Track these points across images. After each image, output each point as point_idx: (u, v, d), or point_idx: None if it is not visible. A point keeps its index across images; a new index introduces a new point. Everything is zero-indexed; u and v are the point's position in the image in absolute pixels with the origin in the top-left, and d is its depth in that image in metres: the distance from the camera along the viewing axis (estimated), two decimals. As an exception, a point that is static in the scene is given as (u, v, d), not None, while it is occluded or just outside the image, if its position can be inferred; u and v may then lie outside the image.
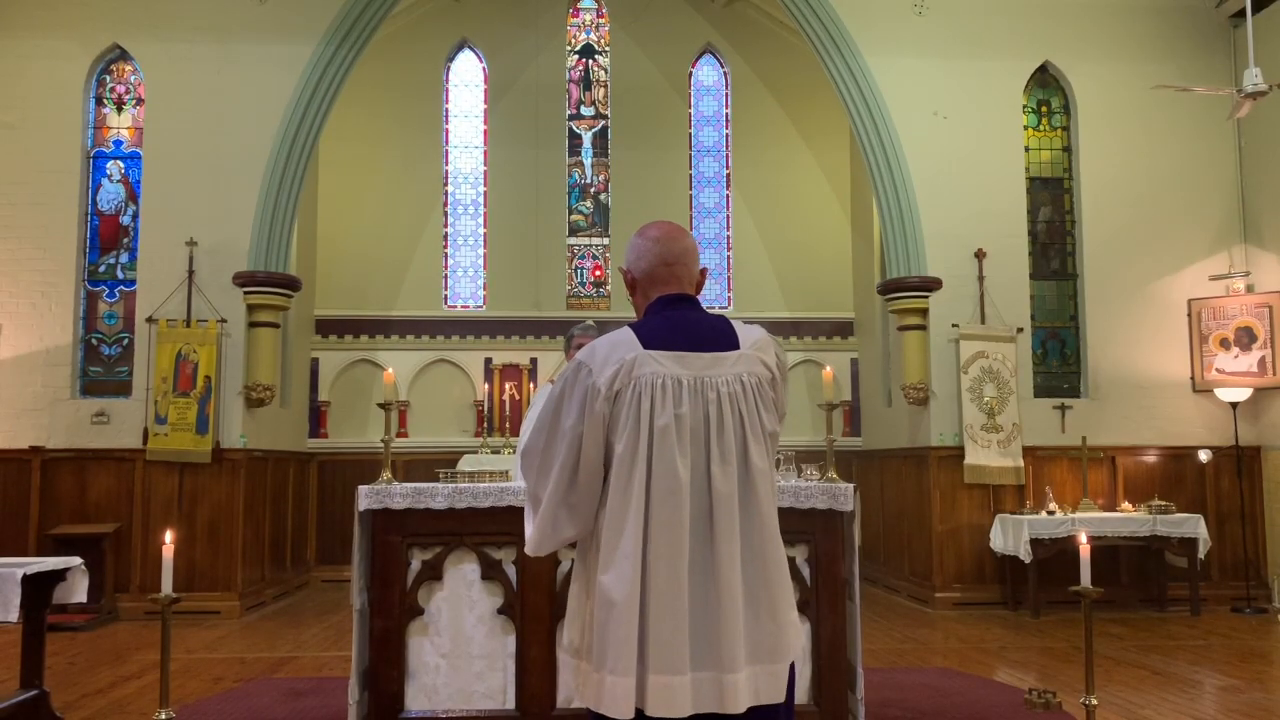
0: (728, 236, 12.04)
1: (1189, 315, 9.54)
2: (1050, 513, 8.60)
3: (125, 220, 9.33)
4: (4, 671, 6.24)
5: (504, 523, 4.40)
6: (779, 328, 11.71)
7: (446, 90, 11.95)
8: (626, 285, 2.53)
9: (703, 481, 2.26)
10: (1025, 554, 8.34)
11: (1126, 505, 8.93)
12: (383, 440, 4.80)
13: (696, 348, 2.33)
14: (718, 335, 2.37)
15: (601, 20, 12.26)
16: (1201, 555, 8.60)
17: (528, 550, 2.44)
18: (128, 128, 9.45)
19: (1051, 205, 9.88)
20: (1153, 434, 9.44)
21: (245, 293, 8.99)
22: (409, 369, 11.25)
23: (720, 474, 2.26)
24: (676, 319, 2.38)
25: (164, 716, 4.33)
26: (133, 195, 9.32)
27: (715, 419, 2.28)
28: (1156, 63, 9.69)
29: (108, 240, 9.29)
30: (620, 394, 2.27)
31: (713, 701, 2.21)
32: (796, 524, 4.33)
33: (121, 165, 9.38)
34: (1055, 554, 8.39)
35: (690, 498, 2.25)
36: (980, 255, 9.37)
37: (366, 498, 4.37)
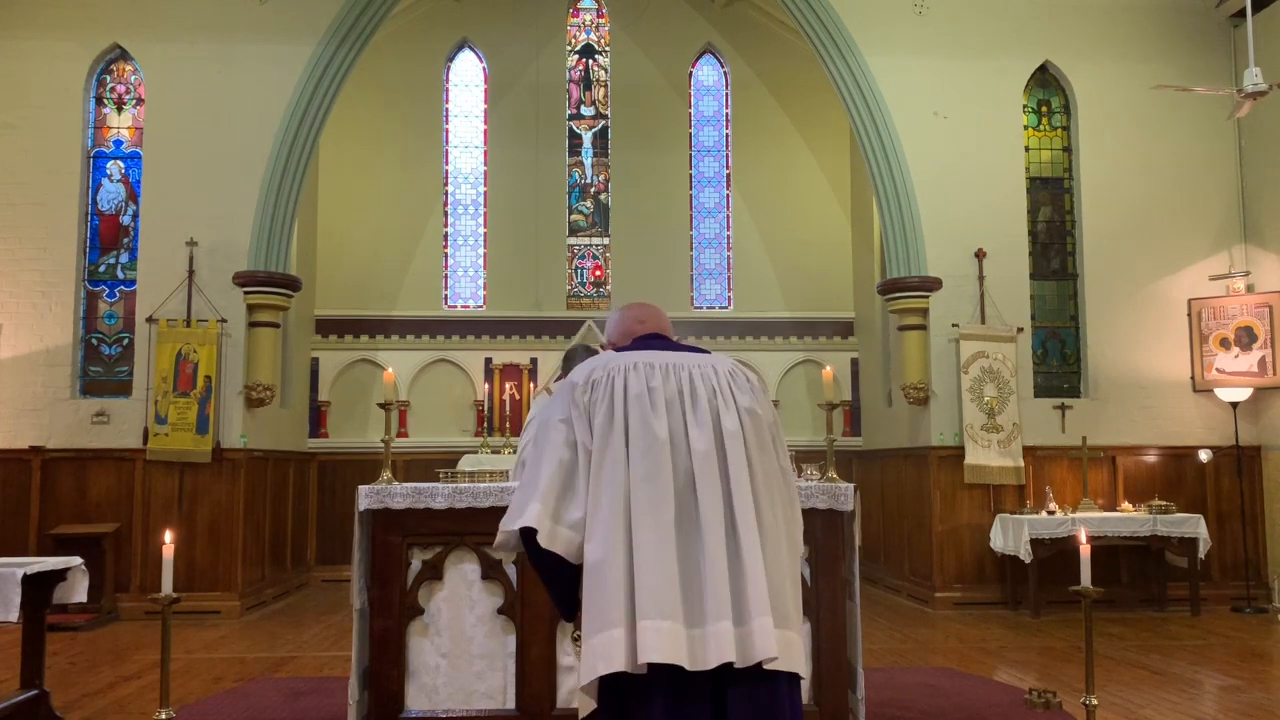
0: (728, 236, 12.04)
1: (1189, 315, 9.54)
2: (1050, 512, 8.60)
3: (125, 220, 9.33)
4: (4, 671, 6.25)
5: (504, 523, 4.40)
6: (779, 328, 11.73)
7: (446, 90, 11.96)
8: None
9: (682, 442, 2.37)
10: (1025, 554, 8.34)
11: (1127, 505, 8.93)
12: (383, 440, 4.80)
13: (665, 349, 2.56)
14: (690, 348, 2.60)
15: (601, 20, 12.26)
16: (1201, 555, 8.60)
17: (516, 526, 2.42)
18: (128, 128, 9.45)
19: (1051, 205, 9.89)
20: (1153, 434, 9.43)
21: (245, 293, 8.99)
22: (409, 369, 11.26)
23: (697, 435, 2.38)
24: (651, 342, 2.59)
25: (164, 716, 4.33)
26: (133, 195, 9.33)
27: (689, 391, 2.43)
28: (1156, 63, 9.69)
29: (108, 240, 9.29)
30: (596, 383, 2.44)
31: (692, 656, 2.22)
32: (796, 524, 4.32)
33: (121, 165, 9.38)
34: (1055, 554, 8.39)
35: (671, 456, 2.35)
36: (980, 255, 9.37)
37: (366, 498, 4.37)
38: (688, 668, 2.21)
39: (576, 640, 2.56)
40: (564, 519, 2.34)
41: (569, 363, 5.28)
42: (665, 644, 2.20)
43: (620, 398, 2.39)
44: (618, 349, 2.66)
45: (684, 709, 2.23)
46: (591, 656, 2.23)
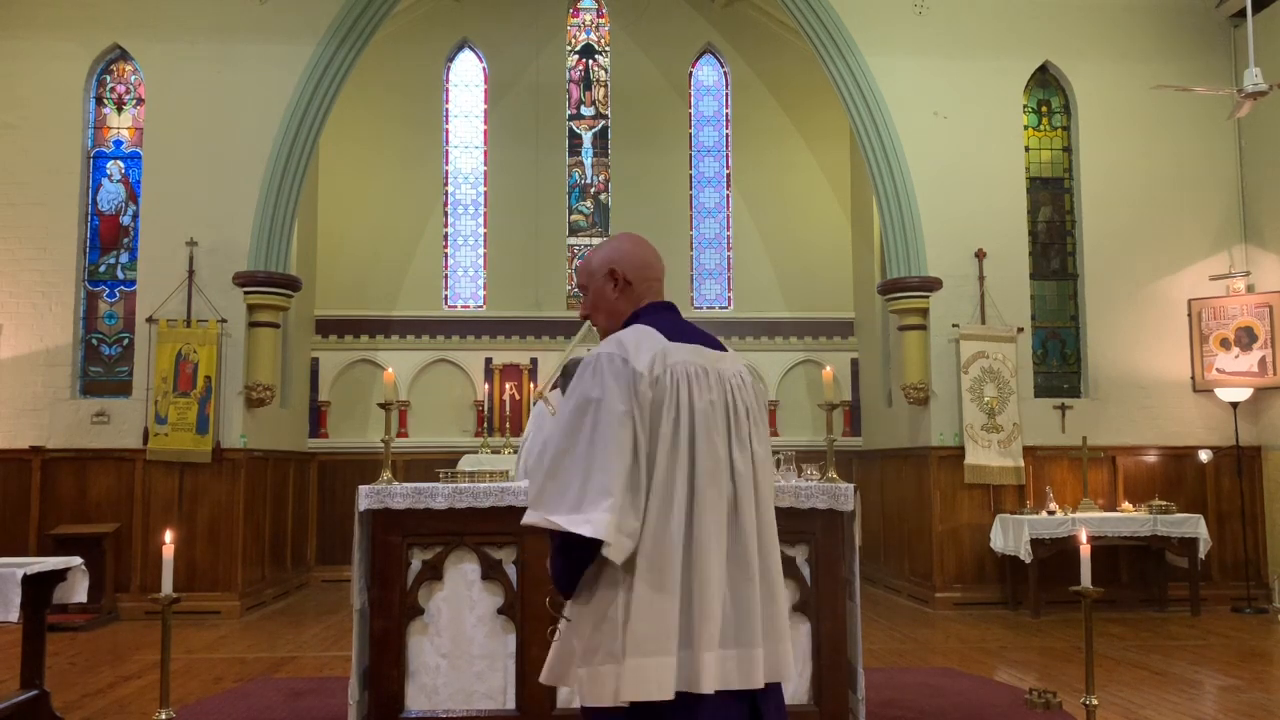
0: (728, 236, 12.04)
1: (1189, 315, 9.54)
2: (1050, 513, 8.60)
3: (125, 220, 9.33)
4: (4, 671, 6.25)
5: (504, 523, 4.39)
6: (779, 328, 11.73)
7: (446, 90, 11.96)
8: (612, 283, 2.48)
9: (728, 464, 2.33)
10: (1025, 554, 8.33)
11: (1127, 505, 8.93)
12: (383, 440, 4.80)
13: (703, 344, 2.43)
14: (709, 338, 2.49)
15: (601, 20, 12.26)
16: (1202, 555, 8.60)
17: (610, 548, 2.22)
18: (128, 128, 9.45)
19: (1051, 205, 9.88)
20: (1153, 434, 9.43)
21: (245, 293, 8.99)
22: (409, 369, 11.25)
23: (739, 457, 2.34)
24: (679, 322, 2.46)
25: (164, 716, 4.33)
26: (133, 195, 9.33)
27: (732, 406, 2.37)
28: (1156, 63, 9.69)
29: (108, 240, 9.29)
30: (659, 379, 2.29)
31: (743, 677, 2.25)
32: (796, 524, 4.32)
33: (121, 165, 9.38)
34: (1055, 554, 8.39)
35: (725, 478, 2.32)
36: (980, 255, 9.37)
37: (366, 498, 4.37)
38: (722, 688, 2.24)
39: (552, 633, 2.47)
40: (625, 527, 2.23)
41: (567, 375, 5.25)
42: (725, 672, 2.23)
43: (686, 409, 2.28)
44: (631, 283, 2.46)
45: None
46: (637, 678, 2.19)
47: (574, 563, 2.28)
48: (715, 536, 2.26)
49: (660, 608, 2.21)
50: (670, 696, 2.18)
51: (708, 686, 2.20)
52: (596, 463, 2.21)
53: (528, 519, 2.27)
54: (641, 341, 2.33)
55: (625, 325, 2.45)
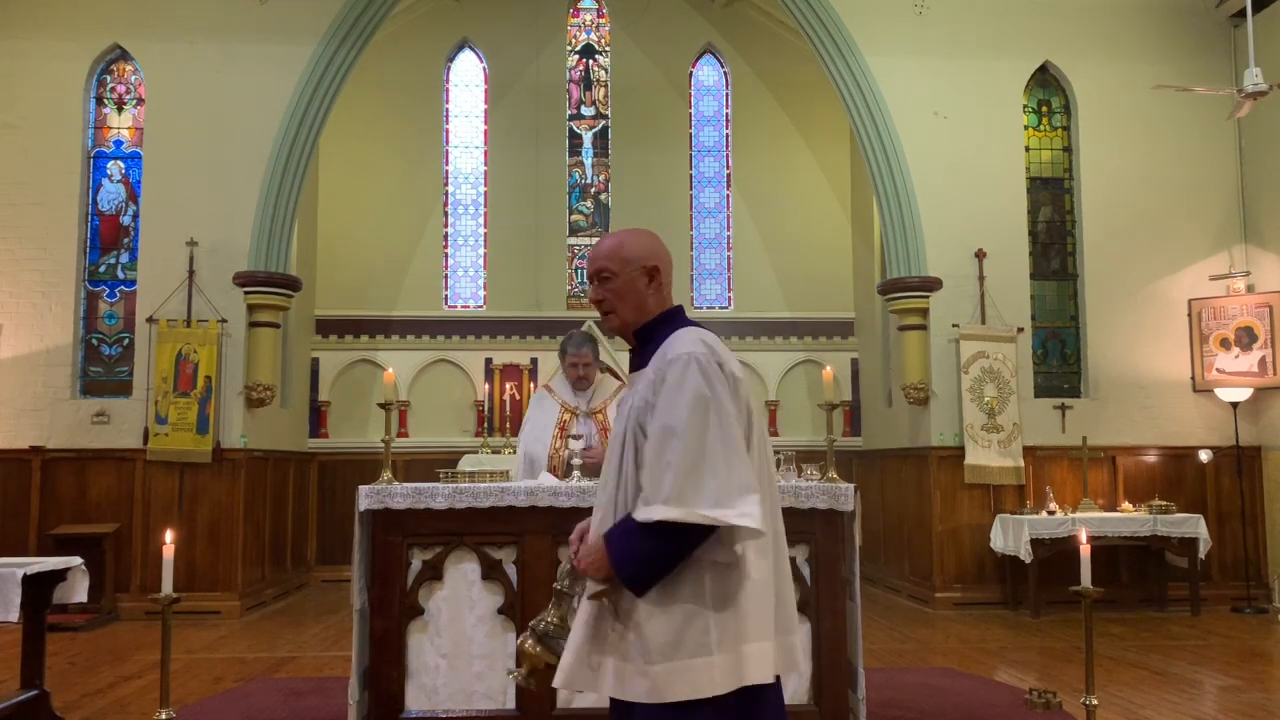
0: (728, 236, 12.04)
1: (1189, 315, 9.54)
2: (1050, 513, 8.60)
3: (125, 220, 9.33)
4: (4, 671, 6.25)
5: (504, 523, 4.40)
6: (779, 328, 11.73)
7: (446, 90, 11.96)
8: (648, 279, 2.49)
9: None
10: (1025, 554, 8.34)
11: (1127, 505, 8.93)
12: (383, 440, 4.80)
13: None
14: None
15: (601, 20, 12.26)
16: (1202, 555, 8.60)
17: (757, 531, 2.25)
18: (128, 128, 9.45)
19: (1051, 205, 9.89)
20: (1153, 434, 9.43)
21: (245, 293, 8.99)
22: (409, 369, 11.25)
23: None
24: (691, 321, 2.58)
25: (164, 716, 4.33)
26: (133, 195, 9.33)
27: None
28: (1156, 63, 9.69)
29: (108, 240, 9.29)
30: (742, 384, 2.40)
31: (791, 662, 2.43)
32: (796, 524, 4.31)
33: (122, 165, 9.38)
34: (1055, 554, 8.39)
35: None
36: (980, 255, 9.37)
37: (367, 498, 4.36)
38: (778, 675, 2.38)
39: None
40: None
41: (565, 345, 5.27)
42: (793, 656, 2.42)
43: (757, 413, 2.44)
44: (663, 281, 2.51)
45: (780, 706, 2.42)
46: (755, 663, 2.27)
47: (670, 560, 2.24)
48: (782, 528, 2.45)
49: (767, 597, 2.33)
50: (771, 679, 2.30)
51: (803, 666, 2.39)
52: (734, 459, 2.24)
53: (665, 514, 2.19)
54: (718, 346, 2.41)
55: (654, 324, 2.48)
